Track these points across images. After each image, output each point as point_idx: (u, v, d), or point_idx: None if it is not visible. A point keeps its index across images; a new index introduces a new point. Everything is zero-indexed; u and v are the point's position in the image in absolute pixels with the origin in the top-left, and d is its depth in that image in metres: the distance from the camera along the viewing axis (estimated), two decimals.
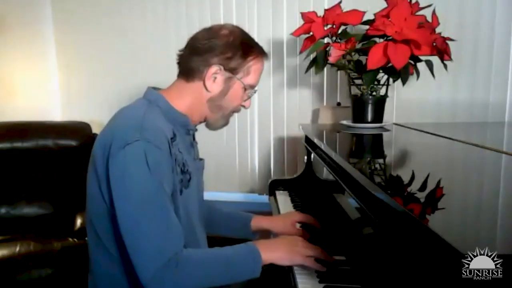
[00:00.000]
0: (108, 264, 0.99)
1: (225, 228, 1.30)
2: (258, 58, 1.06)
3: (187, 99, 1.05)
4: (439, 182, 0.89)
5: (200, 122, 1.13)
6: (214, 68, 1.02)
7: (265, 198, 1.90)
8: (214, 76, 1.03)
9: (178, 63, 1.07)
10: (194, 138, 1.16)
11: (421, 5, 1.58)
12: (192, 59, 1.03)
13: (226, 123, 1.13)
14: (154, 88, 1.08)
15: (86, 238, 1.05)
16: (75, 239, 1.89)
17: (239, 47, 1.03)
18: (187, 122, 1.07)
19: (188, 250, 0.91)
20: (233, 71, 1.03)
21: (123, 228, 0.88)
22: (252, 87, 1.08)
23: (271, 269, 1.02)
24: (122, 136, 0.90)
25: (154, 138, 0.90)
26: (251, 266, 0.93)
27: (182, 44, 1.08)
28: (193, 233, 1.08)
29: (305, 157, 1.70)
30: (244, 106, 1.12)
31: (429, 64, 1.63)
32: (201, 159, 1.20)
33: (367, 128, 1.65)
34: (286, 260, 0.98)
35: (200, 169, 1.19)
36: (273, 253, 0.97)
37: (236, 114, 1.15)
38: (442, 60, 1.62)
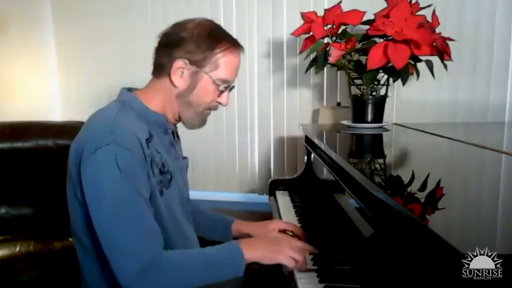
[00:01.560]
0: (95, 269, 0.98)
1: (206, 231, 1.28)
2: (228, 50, 1.01)
3: (160, 97, 1.03)
4: (439, 182, 0.89)
5: (177, 121, 1.10)
6: (179, 62, 0.99)
7: (265, 198, 1.90)
8: (181, 71, 0.99)
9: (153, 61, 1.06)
10: (175, 137, 1.14)
11: (421, 5, 1.58)
12: (159, 54, 1.02)
13: (202, 121, 1.09)
14: (129, 89, 1.06)
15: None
16: None
17: (205, 39, 0.99)
18: (163, 122, 1.05)
19: (169, 252, 0.90)
20: (199, 64, 0.99)
21: (99, 233, 0.87)
22: (224, 81, 1.03)
23: (271, 269, 1.02)
24: (93, 140, 0.89)
25: (125, 141, 0.89)
26: (234, 265, 0.91)
27: (156, 39, 1.06)
28: (181, 232, 1.06)
29: (305, 157, 1.70)
30: (220, 103, 1.07)
31: (429, 64, 1.63)
32: (185, 158, 1.18)
33: (367, 128, 1.65)
34: (268, 259, 0.96)
35: (184, 168, 1.17)
36: (256, 251, 0.95)
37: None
38: (442, 60, 1.62)
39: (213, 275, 0.90)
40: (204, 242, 1.20)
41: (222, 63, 1.01)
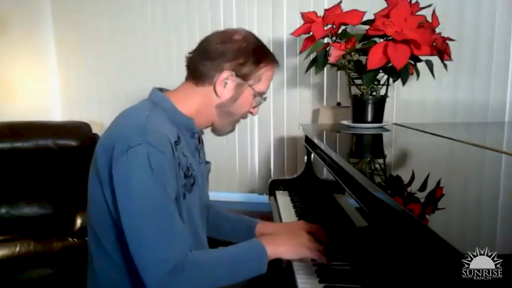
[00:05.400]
0: (109, 268, 0.98)
1: (229, 233, 1.28)
2: (270, 65, 1.05)
3: (195, 103, 1.04)
4: (439, 182, 0.89)
5: (207, 127, 1.11)
6: (225, 74, 1.00)
7: (265, 198, 1.90)
8: (225, 82, 1.01)
9: (187, 65, 1.05)
10: (200, 142, 1.14)
11: (421, 5, 1.58)
12: (203, 63, 1.01)
13: (232, 129, 1.12)
14: (161, 89, 1.06)
15: (86, 238, 1.05)
16: (75, 239, 1.89)
17: (252, 53, 1.01)
18: (192, 125, 1.05)
19: (194, 253, 0.90)
20: (244, 77, 1.02)
21: (128, 234, 0.86)
22: (261, 94, 1.07)
23: (271, 269, 1.02)
24: (125, 139, 0.89)
25: (157, 142, 0.89)
26: (257, 263, 0.93)
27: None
28: (197, 237, 1.07)
29: (305, 157, 1.70)
30: (251, 113, 1.11)
31: (429, 64, 1.63)
32: (207, 162, 1.19)
33: (367, 128, 1.65)
34: (291, 253, 0.98)
35: (206, 172, 1.18)
36: (278, 247, 0.97)
37: None
38: (442, 60, 1.62)
39: (237, 273, 0.92)
40: (213, 243, 1.19)
41: (264, 77, 1.05)
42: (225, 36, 1.02)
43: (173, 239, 0.87)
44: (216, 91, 1.02)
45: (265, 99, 1.10)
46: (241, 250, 0.94)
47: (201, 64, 1.02)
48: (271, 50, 1.08)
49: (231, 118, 1.08)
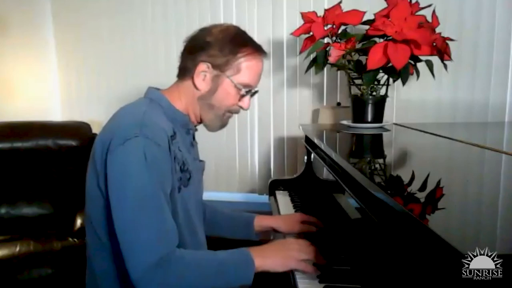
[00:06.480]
0: (107, 263, 0.98)
1: (227, 230, 1.30)
2: (251, 55, 1.02)
3: (183, 99, 1.06)
4: (439, 182, 0.89)
5: (199, 123, 1.12)
6: (202, 66, 1.01)
7: (265, 198, 1.90)
8: (204, 74, 1.02)
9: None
10: (194, 138, 1.16)
11: (421, 5, 1.58)
12: (185, 58, 1.05)
13: (222, 124, 1.11)
14: (156, 89, 1.08)
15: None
16: (75, 239, 1.89)
17: (228, 43, 1.01)
18: (187, 122, 1.07)
19: (182, 250, 0.90)
20: (221, 68, 1.01)
21: (117, 224, 0.87)
22: (246, 86, 1.04)
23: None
24: (122, 132, 0.90)
25: (154, 134, 0.90)
26: (244, 272, 0.92)
27: (183, 44, 1.08)
28: (194, 232, 1.07)
29: (305, 157, 1.70)
30: (242, 107, 1.08)
31: (429, 64, 1.62)
32: (201, 161, 1.20)
33: (367, 128, 1.65)
34: (279, 266, 0.96)
35: (200, 170, 1.18)
36: (267, 259, 0.95)
37: (235, 114, 1.13)
38: (442, 60, 1.62)
39: (222, 279, 0.91)
40: (210, 242, 1.20)
41: (244, 67, 1.02)
42: (205, 30, 1.04)
43: (161, 232, 0.87)
44: (195, 83, 1.03)
45: (251, 92, 1.07)
46: (229, 257, 0.93)
47: (183, 59, 1.05)
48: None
49: (216, 112, 1.06)
